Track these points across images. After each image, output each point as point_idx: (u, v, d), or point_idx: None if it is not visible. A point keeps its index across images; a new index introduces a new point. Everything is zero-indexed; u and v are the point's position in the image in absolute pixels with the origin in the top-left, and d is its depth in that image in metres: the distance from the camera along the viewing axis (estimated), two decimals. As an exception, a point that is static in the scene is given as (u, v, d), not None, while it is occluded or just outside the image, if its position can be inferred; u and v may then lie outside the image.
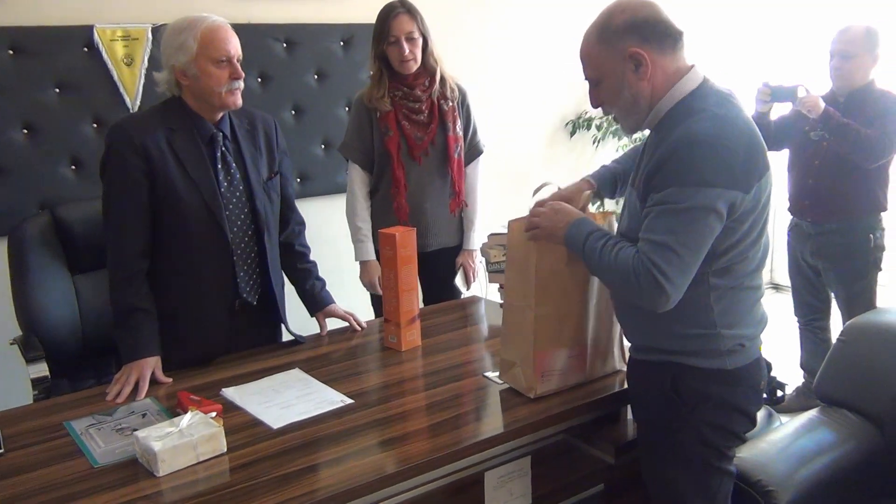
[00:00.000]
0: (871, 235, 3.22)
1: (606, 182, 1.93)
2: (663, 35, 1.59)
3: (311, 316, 2.39)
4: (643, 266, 1.52)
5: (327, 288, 2.41)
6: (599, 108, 1.72)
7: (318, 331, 2.37)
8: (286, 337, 2.34)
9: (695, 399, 1.66)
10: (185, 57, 1.99)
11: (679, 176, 1.52)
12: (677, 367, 1.66)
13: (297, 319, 2.37)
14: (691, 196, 1.49)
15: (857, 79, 3.18)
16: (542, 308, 1.79)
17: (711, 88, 1.63)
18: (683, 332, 1.64)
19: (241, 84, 2.06)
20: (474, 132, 2.94)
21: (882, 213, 3.25)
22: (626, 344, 1.89)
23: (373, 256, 2.84)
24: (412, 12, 2.69)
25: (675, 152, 1.53)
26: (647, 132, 1.72)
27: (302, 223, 2.40)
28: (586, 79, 1.69)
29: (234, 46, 2.03)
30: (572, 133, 4.54)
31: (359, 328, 2.36)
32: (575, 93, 4.43)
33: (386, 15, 2.67)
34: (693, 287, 1.56)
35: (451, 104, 2.81)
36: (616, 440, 1.88)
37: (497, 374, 1.96)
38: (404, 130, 2.77)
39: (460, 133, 2.86)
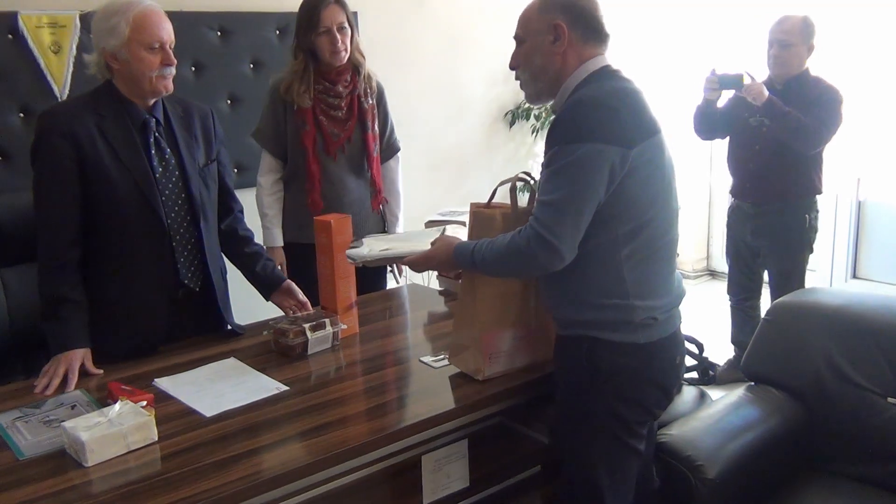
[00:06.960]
0: (807, 216, 3.38)
1: None
2: (590, 27, 1.72)
3: (268, 298, 2.30)
4: (532, 230, 1.60)
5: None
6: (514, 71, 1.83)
7: (262, 319, 2.29)
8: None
9: (609, 370, 1.71)
10: (116, 41, 1.94)
11: (561, 135, 1.62)
12: (592, 341, 1.71)
13: (243, 308, 2.33)
14: (572, 152, 1.58)
15: (793, 67, 3.31)
16: (486, 287, 1.81)
17: (613, 71, 1.74)
18: (599, 303, 1.69)
19: (173, 70, 2.02)
20: (391, 131, 2.89)
21: (817, 196, 3.41)
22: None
23: (279, 243, 2.80)
24: (341, 2, 2.61)
25: (559, 116, 1.66)
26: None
27: (242, 210, 2.37)
28: (514, 37, 1.80)
29: (167, 32, 1.99)
30: (511, 123, 4.59)
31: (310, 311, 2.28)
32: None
33: (315, 5, 2.58)
34: (606, 257, 1.65)
35: (370, 102, 2.75)
36: (551, 421, 1.91)
37: (435, 358, 1.98)
38: (321, 126, 2.69)
39: (377, 131, 2.80)
